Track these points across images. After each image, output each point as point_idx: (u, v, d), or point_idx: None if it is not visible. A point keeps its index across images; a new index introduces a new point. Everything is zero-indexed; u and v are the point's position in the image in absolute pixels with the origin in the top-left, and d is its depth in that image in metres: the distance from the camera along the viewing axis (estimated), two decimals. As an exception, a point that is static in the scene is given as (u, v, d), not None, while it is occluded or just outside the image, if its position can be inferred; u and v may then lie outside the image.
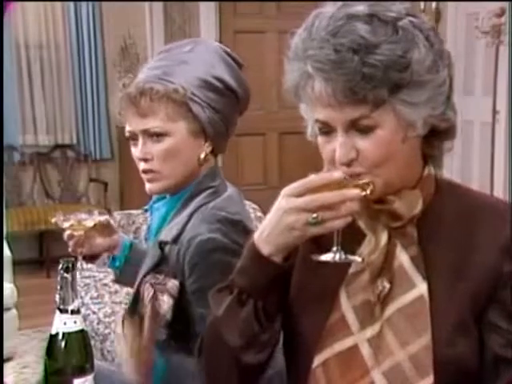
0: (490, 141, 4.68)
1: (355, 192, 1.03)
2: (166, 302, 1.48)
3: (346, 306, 1.12)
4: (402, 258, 1.12)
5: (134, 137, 1.56)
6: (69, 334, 1.07)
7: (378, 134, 1.06)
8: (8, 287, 3.41)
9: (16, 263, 3.72)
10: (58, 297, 1.07)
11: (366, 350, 1.09)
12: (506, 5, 4.47)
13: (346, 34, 1.02)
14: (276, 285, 1.11)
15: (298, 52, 1.07)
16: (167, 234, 1.53)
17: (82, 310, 2.19)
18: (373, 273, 1.12)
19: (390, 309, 1.10)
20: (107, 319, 2.85)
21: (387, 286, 1.11)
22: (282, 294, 1.14)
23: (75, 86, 5.71)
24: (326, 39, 1.03)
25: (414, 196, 1.12)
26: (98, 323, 2.85)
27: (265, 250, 1.07)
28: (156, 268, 1.53)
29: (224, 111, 1.57)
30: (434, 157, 1.17)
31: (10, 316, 3.38)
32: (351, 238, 1.11)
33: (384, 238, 1.12)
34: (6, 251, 3.51)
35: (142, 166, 1.55)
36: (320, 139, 1.11)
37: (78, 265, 1.57)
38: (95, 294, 3.12)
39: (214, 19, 5.83)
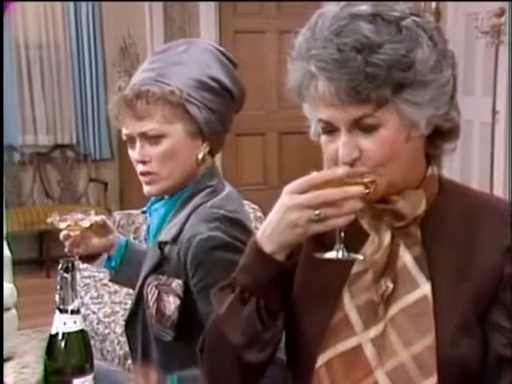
0: (489, 141, 4.68)
1: (358, 189, 1.03)
2: (171, 303, 1.48)
3: (350, 305, 1.12)
4: (406, 258, 1.12)
5: (131, 139, 1.56)
6: (69, 333, 1.07)
7: (382, 133, 1.06)
8: (8, 287, 3.41)
9: (16, 263, 3.71)
10: (57, 297, 1.07)
11: (369, 350, 1.09)
12: (505, 5, 4.47)
13: (349, 33, 1.02)
14: (278, 283, 1.10)
15: (301, 51, 1.07)
16: (166, 235, 1.54)
17: (82, 310, 2.19)
18: (376, 273, 1.12)
19: (394, 309, 1.10)
20: (107, 319, 2.85)
21: (391, 285, 1.11)
22: (284, 292, 1.14)
23: (75, 86, 5.71)
24: (329, 39, 1.03)
25: (417, 196, 1.12)
26: (97, 323, 2.85)
27: (267, 247, 1.07)
28: (157, 269, 1.54)
29: (220, 111, 1.57)
30: (435, 156, 1.17)
31: (10, 316, 3.38)
32: (354, 238, 1.11)
33: (387, 237, 1.12)
34: (6, 251, 3.51)
35: (139, 167, 1.55)
36: (323, 139, 1.11)
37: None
38: (95, 294, 3.12)
39: (214, 19, 5.83)
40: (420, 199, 1.12)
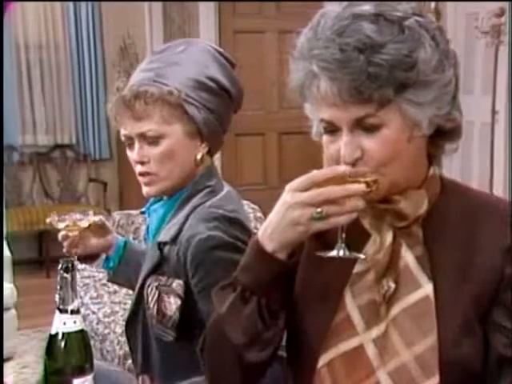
0: (489, 141, 4.68)
1: (360, 186, 1.03)
2: (172, 303, 1.48)
3: (351, 305, 1.12)
4: (408, 258, 1.12)
5: (129, 140, 1.56)
6: (68, 333, 1.07)
7: (384, 133, 1.06)
8: (8, 287, 3.41)
9: (16, 263, 3.71)
10: (57, 297, 1.07)
11: (371, 351, 1.09)
12: (505, 5, 4.47)
13: (351, 33, 1.02)
14: (280, 282, 1.10)
15: (303, 51, 1.07)
16: (166, 235, 1.53)
17: (82, 310, 2.19)
18: (378, 273, 1.12)
19: (396, 309, 1.10)
20: (106, 319, 2.85)
21: (392, 285, 1.11)
22: (285, 291, 1.14)
23: (74, 86, 5.71)
24: (331, 39, 1.03)
25: (419, 196, 1.12)
26: (97, 323, 2.85)
27: (268, 246, 1.07)
28: (157, 269, 1.53)
29: (219, 111, 1.57)
30: (437, 157, 1.17)
31: (10, 316, 3.38)
32: (356, 238, 1.11)
33: (389, 237, 1.12)
34: (6, 251, 3.51)
35: (138, 168, 1.55)
36: (325, 139, 1.11)
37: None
38: (95, 294, 3.12)
39: (214, 19, 5.83)
40: (422, 199, 1.12)
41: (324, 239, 1.12)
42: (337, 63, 1.02)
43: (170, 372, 1.54)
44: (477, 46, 4.92)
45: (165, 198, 1.61)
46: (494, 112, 4.59)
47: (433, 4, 4.87)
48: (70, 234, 1.62)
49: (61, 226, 1.60)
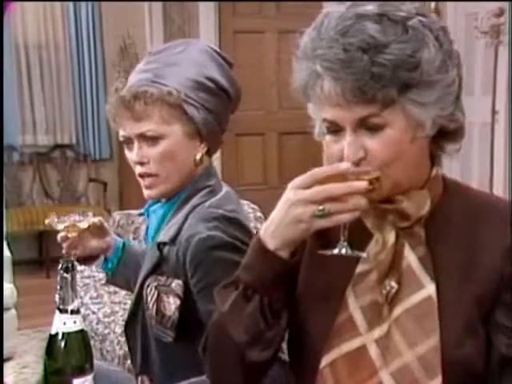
0: (489, 141, 4.68)
1: (363, 184, 1.02)
2: (172, 303, 1.48)
3: (354, 306, 1.12)
4: (410, 258, 1.12)
5: (128, 141, 1.56)
6: (68, 333, 1.07)
7: (387, 133, 1.06)
8: (8, 287, 3.41)
9: (16, 263, 3.71)
10: (57, 297, 1.07)
11: (373, 351, 1.09)
12: (505, 5, 4.47)
13: (355, 33, 1.02)
14: (282, 281, 1.10)
15: (306, 51, 1.07)
16: (165, 235, 1.53)
17: (82, 310, 2.19)
18: (380, 273, 1.12)
19: (398, 309, 1.10)
20: (106, 319, 2.85)
21: (395, 286, 1.11)
22: (288, 290, 1.14)
23: (74, 86, 5.72)
24: (335, 39, 1.03)
25: (422, 196, 1.12)
26: (97, 323, 2.85)
27: (271, 244, 1.07)
28: (156, 270, 1.53)
29: (217, 111, 1.57)
30: (438, 157, 1.17)
31: (10, 316, 3.38)
32: (358, 238, 1.10)
33: (392, 237, 1.12)
34: (6, 251, 3.51)
35: (138, 169, 1.55)
36: (328, 138, 1.11)
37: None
38: (94, 294, 3.12)
39: (214, 19, 5.83)
40: (425, 199, 1.12)
41: (326, 238, 1.12)
42: (340, 63, 1.02)
43: (169, 372, 1.53)
44: (476, 46, 4.93)
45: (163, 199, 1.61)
46: (493, 112, 4.60)
47: (433, 4, 4.88)
48: (69, 235, 1.61)
49: (60, 227, 1.60)
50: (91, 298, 3.09)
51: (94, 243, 1.69)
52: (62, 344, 1.07)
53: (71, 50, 5.67)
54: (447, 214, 1.15)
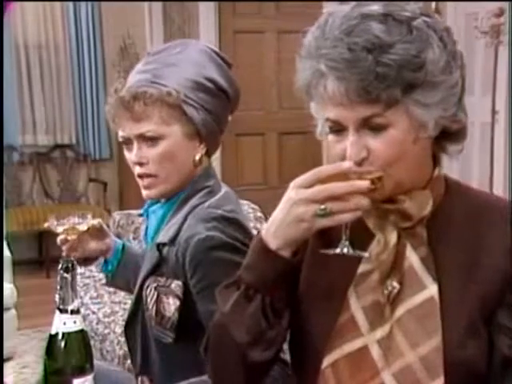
0: (489, 141, 4.68)
1: (364, 183, 1.02)
2: (171, 304, 1.47)
3: (356, 306, 1.12)
4: (412, 258, 1.11)
5: (127, 141, 1.55)
6: (68, 333, 1.07)
7: (390, 133, 1.06)
8: (8, 287, 3.40)
9: (16, 263, 3.71)
10: (57, 297, 1.07)
11: (375, 352, 1.09)
12: (505, 5, 4.47)
13: (360, 33, 1.02)
14: (284, 280, 1.10)
15: (310, 50, 1.07)
16: (164, 236, 1.53)
17: (82, 310, 2.19)
18: (382, 273, 1.11)
19: (400, 310, 1.10)
20: (106, 319, 2.85)
21: (397, 286, 1.10)
22: (289, 290, 1.14)
23: (74, 86, 5.71)
24: (339, 38, 1.03)
25: (424, 196, 1.12)
26: (97, 323, 2.85)
27: (272, 244, 1.07)
28: (156, 271, 1.53)
29: (216, 112, 1.57)
30: (440, 157, 1.17)
31: (10, 316, 3.38)
32: (360, 238, 1.10)
33: (393, 238, 1.12)
34: (6, 251, 3.51)
35: (137, 170, 1.55)
36: (330, 138, 1.10)
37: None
38: (95, 294, 3.12)
39: (214, 19, 5.83)
40: (427, 200, 1.12)
41: (328, 238, 1.12)
42: (345, 63, 1.01)
43: (169, 373, 1.53)
44: (476, 46, 4.93)
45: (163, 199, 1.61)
46: (493, 112, 4.60)
47: (433, 4, 4.88)
48: (69, 237, 1.61)
49: (59, 230, 1.59)
50: (91, 297, 3.09)
51: (93, 245, 1.69)
52: (62, 344, 1.08)
53: (71, 50, 5.66)
54: (449, 215, 1.14)
